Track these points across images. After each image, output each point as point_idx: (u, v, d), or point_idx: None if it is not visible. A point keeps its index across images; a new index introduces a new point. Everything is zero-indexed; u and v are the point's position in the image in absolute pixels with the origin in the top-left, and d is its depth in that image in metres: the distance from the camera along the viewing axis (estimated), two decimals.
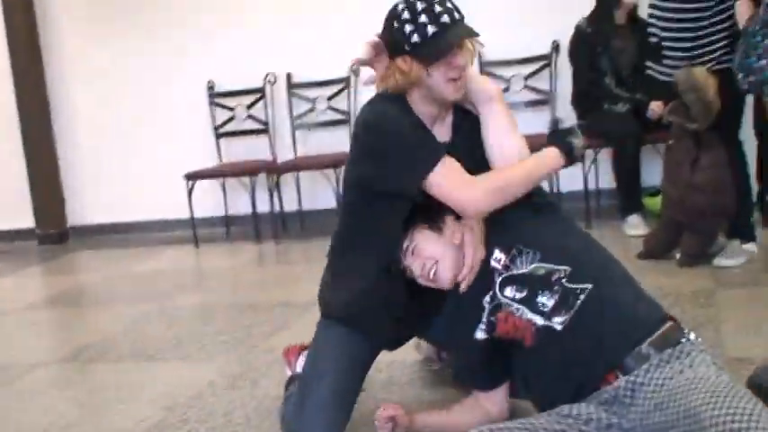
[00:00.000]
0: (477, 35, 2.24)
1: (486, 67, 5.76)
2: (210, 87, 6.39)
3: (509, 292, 2.17)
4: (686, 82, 3.86)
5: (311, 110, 6.19)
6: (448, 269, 2.25)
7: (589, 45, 5.02)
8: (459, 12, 2.24)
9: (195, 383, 3.31)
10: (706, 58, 4.03)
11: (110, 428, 2.99)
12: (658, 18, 4.17)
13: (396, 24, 2.23)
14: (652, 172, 5.16)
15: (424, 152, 2.23)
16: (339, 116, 6.12)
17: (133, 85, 6.58)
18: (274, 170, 6.10)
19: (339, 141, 6.03)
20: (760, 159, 4.78)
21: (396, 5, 2.25)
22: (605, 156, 5.40)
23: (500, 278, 2.20)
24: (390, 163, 2.26)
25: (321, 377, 2.42)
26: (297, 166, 6.09)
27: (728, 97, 3.86)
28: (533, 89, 5.72)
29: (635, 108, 4.90)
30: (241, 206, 6.28)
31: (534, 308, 2.11)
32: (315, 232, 6.09)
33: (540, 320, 2.10)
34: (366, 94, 5.98)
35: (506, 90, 5.72)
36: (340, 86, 6.10)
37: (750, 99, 4.68)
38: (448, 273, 2.25)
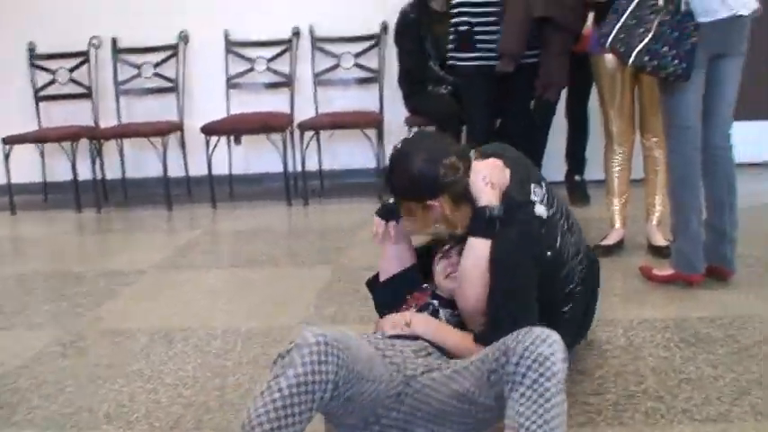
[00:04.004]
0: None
1: (317, 44, 5.85)
2: (31, 49, 6.15)
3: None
4: None
5: (137, 76, 6.07)
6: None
7: (413, 29, 5.19)
8: None
9: (22, 353, 3.25)
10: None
11: None
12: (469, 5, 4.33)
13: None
14: None
15: None
16: (166, 83, 6.04)
17: None
18: (96, 136, 5.96)
19: (166, 109, 5.97)
20: (570, 140, 5.16)
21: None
22: None
23: None
24: None
25: None
26: (120, 132, 5.96)
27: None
28: (363, 67, 5.85)
29: (455, 90, 5.12)
30: (61, 173, 6.09)
31: None
32: (138, 201, 6.01)
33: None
34: (194, 61, 5.98)
35: (336, 67, 5.85)
36: (168, 53, 6.02)
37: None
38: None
